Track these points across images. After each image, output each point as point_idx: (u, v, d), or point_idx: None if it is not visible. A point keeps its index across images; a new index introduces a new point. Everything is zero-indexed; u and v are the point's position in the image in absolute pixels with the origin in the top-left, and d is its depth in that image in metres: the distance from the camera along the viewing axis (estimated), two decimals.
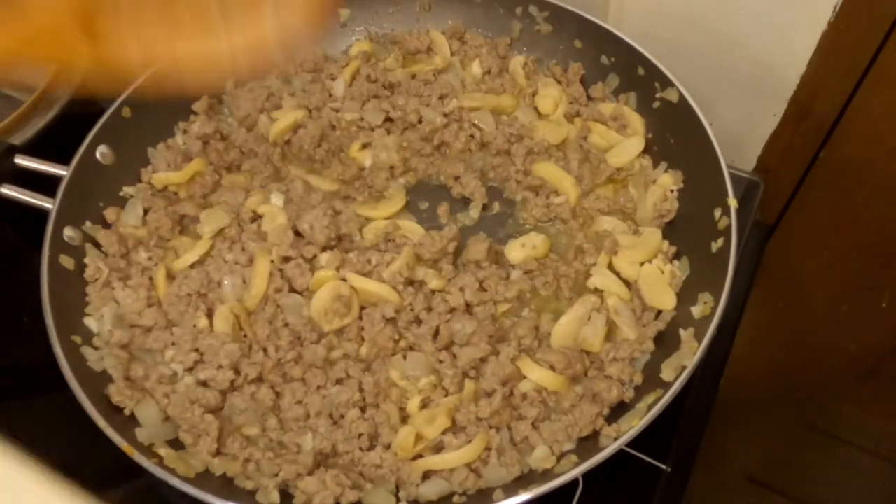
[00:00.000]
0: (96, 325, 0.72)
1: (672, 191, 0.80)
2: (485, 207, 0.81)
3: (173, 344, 0.70)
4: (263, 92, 0.90)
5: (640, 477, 0.72)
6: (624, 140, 0.84)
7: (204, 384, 0.68)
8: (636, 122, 0.85)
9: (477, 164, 0.84)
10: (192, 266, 0.76)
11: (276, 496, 0.62)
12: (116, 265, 0.75)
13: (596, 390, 0.67)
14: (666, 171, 0.82)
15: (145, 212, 0.80)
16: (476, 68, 0.92)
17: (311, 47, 0.93)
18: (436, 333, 0.70)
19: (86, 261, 0.74)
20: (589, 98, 0.90)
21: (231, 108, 0.90)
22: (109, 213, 0.79)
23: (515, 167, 0.83)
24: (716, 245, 0.72)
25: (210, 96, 0.89)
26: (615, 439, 0.61)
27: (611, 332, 0.72)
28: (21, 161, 0.77)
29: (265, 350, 0.70)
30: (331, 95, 0.89)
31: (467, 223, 0.80)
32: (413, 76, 0.91)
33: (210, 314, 0.72)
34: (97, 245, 0.76)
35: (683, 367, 0.64)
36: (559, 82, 0.90)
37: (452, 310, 0.71)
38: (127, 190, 0.81)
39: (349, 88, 0.89)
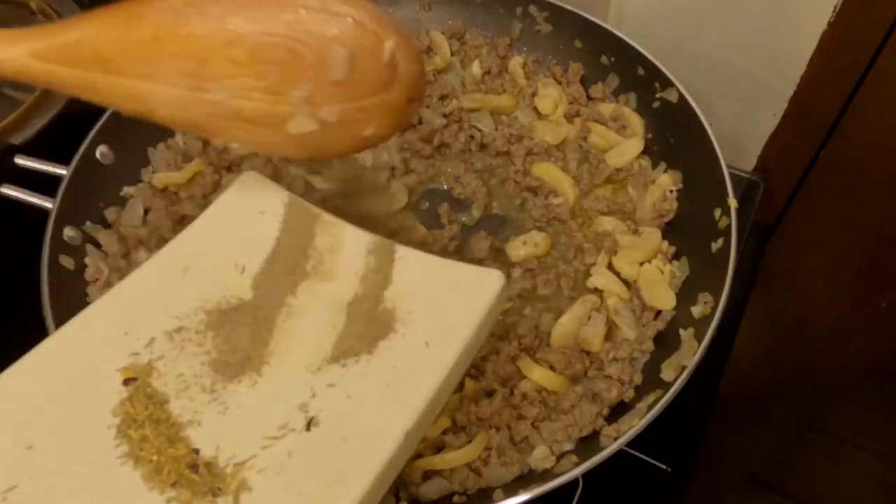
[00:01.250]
0: None
1: (671, 191, 0.80)
2: (485, 208, 0.81)
3: None
4: None
5: (640, 477, 0.72)
6: (623, 141, 0.84)
7: None
8: (636, 122, 0.85)
9: (477, 165, 0.84)
10: None
11: None
12: (117, 265, 0.75)
13: (596, 390, 0.67)
14: (665, 171, 0.82)
15: (146, 212, 0.80)
16: (476, 68, 0.92)
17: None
18: None
19: (86, 261, 0.74)
20: (589, 98, 0.90)
21: None
22: (110, 214, 0.79)
23: (514, 167, 0.83)
24: (716, 245, 0.72)
25: None
26: (615, 439, 0.61)
27: (610, 331, 0.72)
28: (21, 161, 0.77)
29: None
30: None
31: (468, 223, 0.80)
32: None
33: None
34: (97, 245, 0.76)
35: (683, 367, 0.63)
36: (559, 82, 0.90)
37: None
38: (127, 190, 0.81)
39: None
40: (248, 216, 0.60)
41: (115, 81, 0.50)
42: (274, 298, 0.54)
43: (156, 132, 0.86)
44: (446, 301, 0.54)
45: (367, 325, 0.53)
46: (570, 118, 0.88)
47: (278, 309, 0.53)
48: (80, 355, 0.51)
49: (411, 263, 0.57)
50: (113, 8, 0.50)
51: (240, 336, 0.51)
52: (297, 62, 0.49)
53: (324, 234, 0.59)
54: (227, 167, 0.84)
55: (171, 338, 0.51)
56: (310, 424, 0.47)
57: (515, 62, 0.92)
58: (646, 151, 0.84)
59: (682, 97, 0.80)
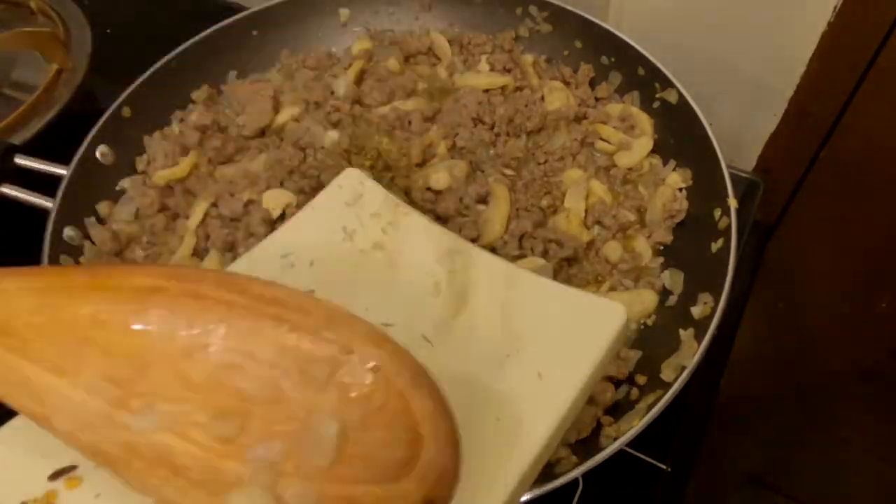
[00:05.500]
0: None
1: (681, 189, 0.80)
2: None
3: None
4: (264, 85, 0.90)
5: (640, 477, 0.72)
6: (632, 140, 0.84)
7: None
8: (644, 121, 0.85)
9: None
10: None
11: None
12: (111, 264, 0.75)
13: (591, 393, 0.66)
14: (674, 169, 0.82)
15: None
16: (484, 65, 0.91)
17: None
18: None
19: (80, 260, 0.74)
20: (596, 99, 0.90)
21: (230, 99, 0.90)
22: (102, 207, 0.78)
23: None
24: (716, 245, 0.72)
25: (210, 87, 0.89)
26: (615, 439, 0.61)
27: None
28: (21, 161, 0.77)
29: None
30: (332, 93, 0.89)
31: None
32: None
33: None
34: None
35: (683, 368, 0.63)
36: (567, 83, 0.90)
37: None
38: (122, 183, 0.81)
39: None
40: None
41: (12, 363, 0.36)
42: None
43: (151, 122, 0.86)
44: (563, 333, 0.49)
45: None
46: (578, 120, 0.87)
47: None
48: None
49: (527, 286, 0.52)
50: (54, 268, 0.39)
51: None
52: (272, 406, 0.34)
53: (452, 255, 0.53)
54: (223, 161, 0.84)
55: None
56: None
57: (525, 60, 0.91)
58: (654, 150, 0.84)
59: (681, 97, 0.80)
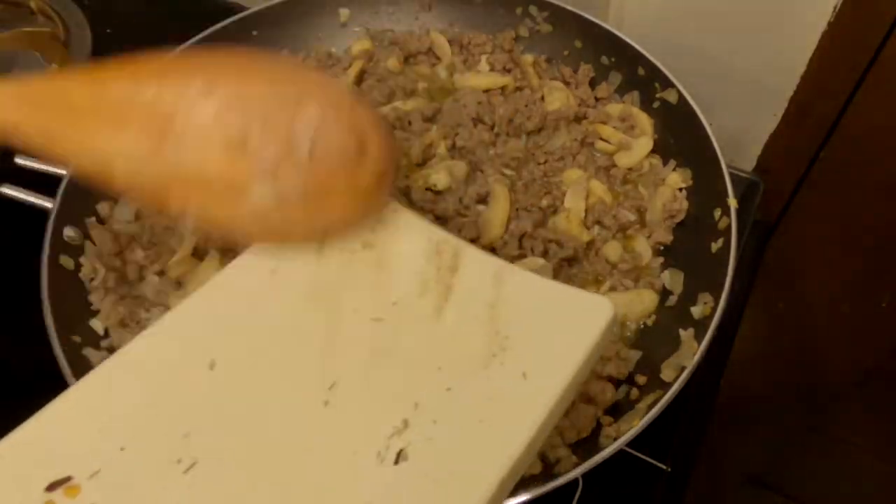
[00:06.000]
0: (104, 328, 0.72)
1: (681, 189, 0.80)
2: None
3: None
4: None
5: (640, 477, 0.72)
6: (632, 140, 0.84)
7: None
8: (644, 121, 0.85)
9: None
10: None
11: None
12: (112, 264, 0.74)
13: (591, 393, 0.67)
14: (674, 169, 0.82)
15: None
16: (484, 65, 0.91)
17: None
18: None
19: (81, 260, 0.74)
20: (596, 99, 0.90)
21: None
22: (102, 208, 0.78)
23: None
24: (716, 245, 0.72)
25: None
26: (615, 439, 0.61)
27: None
28: (21, 161, 0.77)
29: None
30: None
31: None
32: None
33: None
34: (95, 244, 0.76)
35: (683, 368, 0.63)
36: (567, 83, 0.90)
37: None
38: None
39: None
40: None
41: (78, 130, 0.49)
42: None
43: None
44: (549, 330, 0.48)
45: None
46: (578, 119, 0.87)
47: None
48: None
49: (516, 284, 0.51)
50: (90, 66, 0.51)
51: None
52: (264, 125, 0.48)
53: (439, 252, 0.53)
54: None
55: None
56: (399, 458, 0.42)
57: (525, 60, 0.91)
58: (653, 150, 0.84)
59: (681, 97, 0.80)
